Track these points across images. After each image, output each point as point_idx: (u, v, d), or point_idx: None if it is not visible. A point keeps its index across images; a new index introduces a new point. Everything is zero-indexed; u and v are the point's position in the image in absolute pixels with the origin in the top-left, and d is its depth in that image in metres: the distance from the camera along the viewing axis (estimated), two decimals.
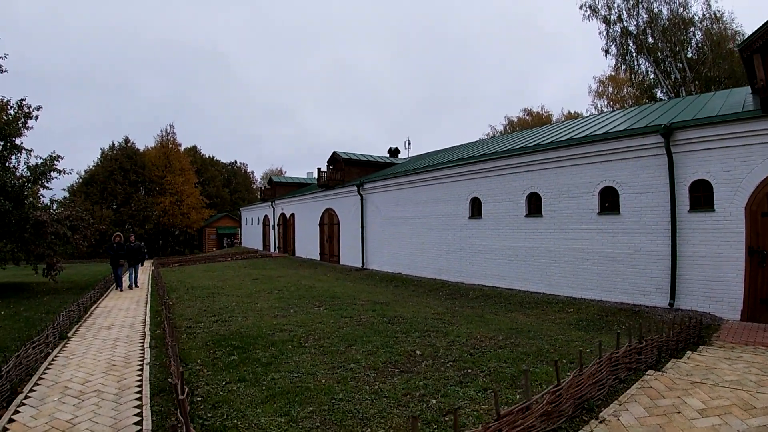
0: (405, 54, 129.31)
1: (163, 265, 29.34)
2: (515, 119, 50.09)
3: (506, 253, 13.86)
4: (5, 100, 15.67)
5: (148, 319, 9.86)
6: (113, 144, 55.43)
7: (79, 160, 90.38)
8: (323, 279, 17.05)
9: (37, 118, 16.10)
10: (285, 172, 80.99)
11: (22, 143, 16.15)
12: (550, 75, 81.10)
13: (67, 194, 52.72)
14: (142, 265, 16.78)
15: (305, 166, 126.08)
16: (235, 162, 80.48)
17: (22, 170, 16.23)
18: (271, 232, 36.06)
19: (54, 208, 17.37)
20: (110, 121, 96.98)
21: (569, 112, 46.09)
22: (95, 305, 12.18)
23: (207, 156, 72.85)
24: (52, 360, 6.78)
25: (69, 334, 8.47)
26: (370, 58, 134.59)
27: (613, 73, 37.20)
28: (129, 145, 55.70)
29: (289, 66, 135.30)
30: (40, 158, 16.50)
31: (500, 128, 50.79)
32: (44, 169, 16.23)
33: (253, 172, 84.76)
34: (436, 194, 16.57)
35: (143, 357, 6.87)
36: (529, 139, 15.37)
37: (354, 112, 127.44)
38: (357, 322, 8.63)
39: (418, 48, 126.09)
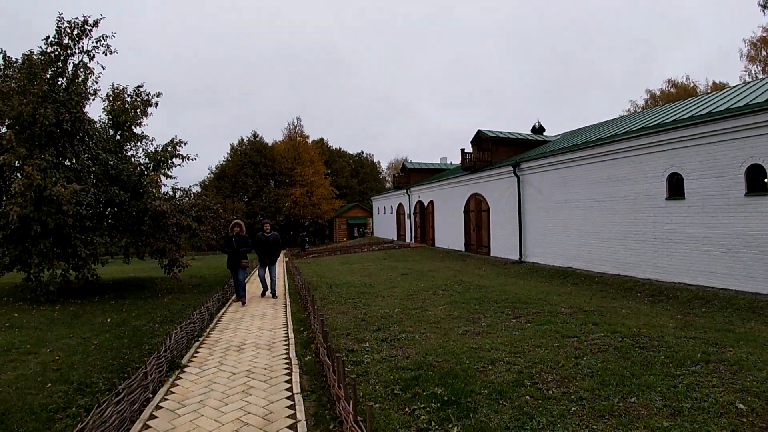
0: (522, 40, 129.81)
1: (297, 257, 29.91)
2: (657, 92, 45.98)
3: (719, 243, 11.27)
4: (121, 88, 15.62)
5: (291, 334, 7.93)
6: (242, 139, 58.99)
7: (210, 159, 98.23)
8: (483, 275, 15.41)
9: (157, 104, 15.97)
10: (410, 161, 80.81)
11: (143, 132, 16.15)
12: (676, 52, 76.76)
13: (199, 189, 57.11)
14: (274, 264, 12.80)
15: (428, 156, 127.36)
16: (362, 152, 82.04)
17: (141, 158, 16.00)
18: (407, 221, 35.26)
19: (177, 197, 16.37)
20: (239, 123, 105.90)
21: (714, 83, 42.17)
22: (223, 310, 10.82)
23: (334, 148, 74.75)
24: (150, 417, 4.56)
25: (184, 361, 6.48)
26: (487, 48, 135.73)
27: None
28: (258, 139, 58.82)
29: (406, 61, 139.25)
30: (160, 145, 16.13)
31: (641, 103, 46.87)
32: (165, 156, 15.79)
33: (379, 162, 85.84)
34: (619, 171, 14.17)
35: (294, 412, 4.57)
36: (726, 100, 12.50)
37: (473, 102, 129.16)
38: (589, 346, 6.44)
39: (535, 33, 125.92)
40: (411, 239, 33.79)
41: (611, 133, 15.06)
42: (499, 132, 23.32)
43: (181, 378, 5.77)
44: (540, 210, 17.67)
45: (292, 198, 55.38)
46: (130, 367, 6.06)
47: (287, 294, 13.17)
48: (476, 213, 22.97)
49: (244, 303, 11.39)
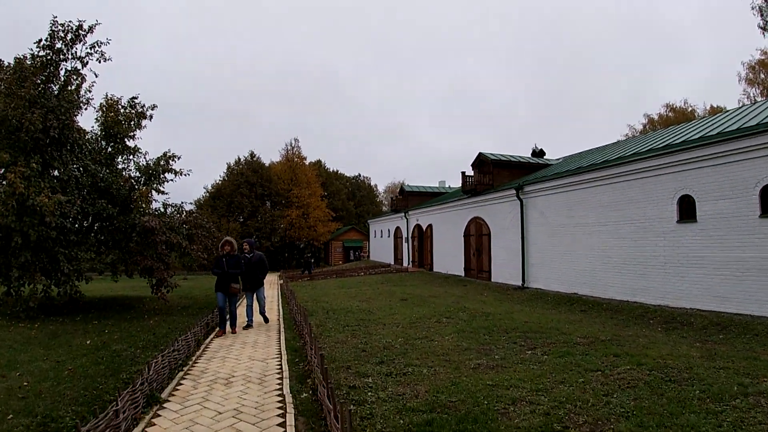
0: (519, 67, 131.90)
1: (291, 279, 29.24)
2: (656, 117, 46.31)
3: (733, 266, 10.87)
4: (115, 98, 15.10)
5: (285, 366, 7.06)
6: (239, 158, 58.56)
7: (206, 178, 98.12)
8: (486, 301, 14.86)
9: (151, 117, 15.51)
10: (408, 184, 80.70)
11: (136, 146, 15.56)
12: (672, 75, 78.62)
13: (193, 207, 56.44)
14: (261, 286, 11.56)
15: (426, 180, 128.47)
16: (359, 175, 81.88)
17: (132, 172, 15.35)
18: (404, 244, 34.75)
19: (168, 213, 15.64)
20: (236, 144, 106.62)
21: (711, 106, 42.82)
22: (212, 336, 9.97)
23: (331, 170, 74.65)
24: None
25: (164, 394, 5.80)
26: (484, 73, 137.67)
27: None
28: (255, 159, 58.49)
29: (402, 85, 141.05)
30: (152, 159, 15.59)
31: (639, 128, 47.15)
32: (157, 170, 15.22)
33: (376, 186, 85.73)
34: (627, 194, 13.81)
35: None
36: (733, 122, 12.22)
37: (470, 126, 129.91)
38: (617, 381, 5.78)
39: (532, 59, 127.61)
40: (408, 263, 33.24)
41: (618, 155, 14.75)
42: (501, 155, 23.02)
43: (159, 416, 5.13)
44: (544, 234, 17.23)
45: (287, 219, 54.79)
46: (104, 399, 5.46)
47: (281, 319, 12.38)
48: (477, 237, 22.51)
49: (234, 331, 10.24)
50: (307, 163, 61.22)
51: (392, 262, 37.68)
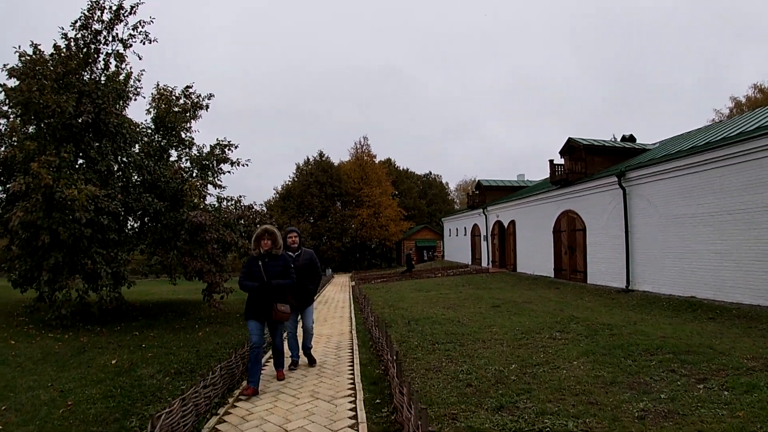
0: (584, 53, 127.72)
1: (363, 281, 28.21)
2: (743, 99, 42.59)
3: None
4: (169, 89, 14.32)
5: (362, 414, 5.04)
6: (308, 158, 58.59)
7: (277, 182, 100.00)
8: (593, 308, 12.88)
9: (207, 107, 14.63)
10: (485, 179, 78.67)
11: (192, 138, 14.67)
12: (749, 57, 71.74)
13: (265, 209, 56.98)
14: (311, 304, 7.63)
15: (497, 175, 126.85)
16: (430, 173, 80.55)
17: (184, 163, 14.37)
18: (483, 243, 32.98)
19: (223, 207, 14.09)
20: (306, 145, 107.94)
21: None
22: (266, 357, 7.84)
23: (401, 168, 73.66)
24: None
25: None
26: (549, 62, 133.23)
27: None
28: (324, 158, 58.31)
29: (468, 79, 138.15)
30: (205, 148, 14.57)
31: (726, 112, 43.31)
32: (211, 160, 14.21)
33: (447, 183, 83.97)
34: (756, 175, 11.51)
35: None
36: None
37: (537, 119, 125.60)
38: None
39: (597, 44, 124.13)
40: (488, 263, 31.46)
41: (756, 125, 12.48)
42: (593, 140, 20.90)
43: None
44: (652, 227, 15.13)
45: (358, 219, 54.14)
46: None
47: (354, 332, 10.49)
48: (569, 233, 20.54)
49: (281, 376, 6.73)
50: (376, 162, 60.46)
51: (470, 262, 35.97)
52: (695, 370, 6.20)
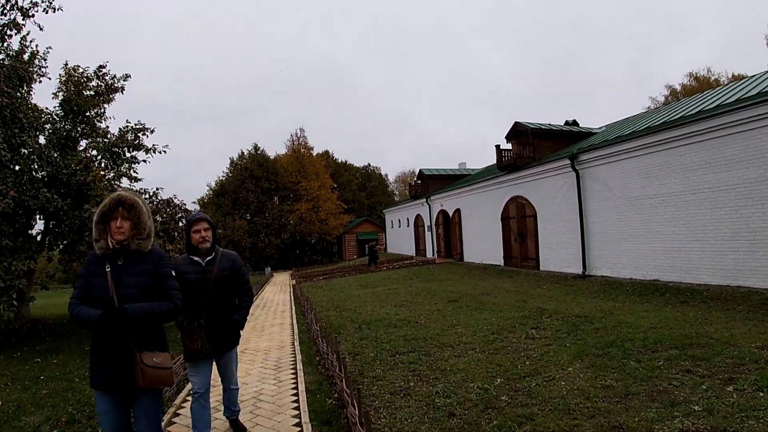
0: (520, 48, 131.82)
1: (305, 279, 26.62)
2: (678, 87, 45.38)
3: None
4: (80, 70, 12.34)
5: None
6: (242, 152, 55.92)
7: (209, 177, 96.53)
8: (557, 297, 12.03)
9: (123, 89, 12.77)
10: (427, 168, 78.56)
11: (107, 127, 12.77)
12: (677, 51, 76.81)
13: (198, 207, 54.33)
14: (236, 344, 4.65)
15: (436, 166, 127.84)
16: (369, 165, 79.38)
17: (90, 153, 12.29)
18: (427, 233, 32.15)
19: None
20: (240, 141, 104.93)
21: (733, 74, 41.69)
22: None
23: (340, 161, 72.21)
24: None
25: None
26: (486, 57, 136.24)
27: None
28: (259, 152, 55.77)
29: (405, 73, 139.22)
30: (115, 133, 12.54)
31: (661, 99, 45.81)
32: (122, 146, 12.25)
33: (386, 175, 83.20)
34: (725, 152, 11.17)
35: None
36: None
37: (473, 112, 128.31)
38: None
39: (534, 40, 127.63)
40: (434, 254, 30.62)
41: (716, 103, 11.96)
42: (540, 124, 20.27)
43: None
44: (609, 210, 14.49)
45: (297, 214, 52.18)
46: None
47: (297, 346, 8.71)
48: (518, 219, 19.81)
49: None
50: (314, 154, 58.67)
51: (414, 254, 35.05)
52: (713, 368, 5.26)
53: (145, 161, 12.86)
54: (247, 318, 4.66)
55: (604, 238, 14.77)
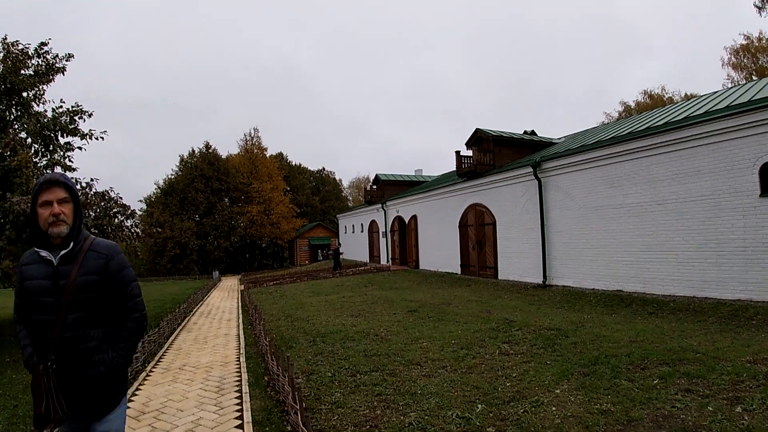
0: (480, 61, 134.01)
1: (254, 284, 25.58)
2: (632, 104, 46.93)
3: None
4: (19, 46, 11.11)
5: None
6: (193, 150, 53.87)
7: (160, 175, 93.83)
8: (521, 308, 11.57)
9: (64, 70, 11.65)
10: (372, 179, 78.36)
11: (45, 111, 11.62)
12: (632, 69, 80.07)
13: (144, 206, 52.18)
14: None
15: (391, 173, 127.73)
16: (323, 169, 78.54)
17: (18, 135, 11.07)
18: (382, 240, 31.59)
19: None
20: (193, 141, 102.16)
21: (686, 94, 42.77)
22: None
23: (294, 163, 71.04)
24: None
25: None
26: (445, 68, 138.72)
27: None
28: (211, 151, 53.89)
29: (364, 80, 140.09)
30: (49, 113, 11.35)
31: (615, 115, 47.27)
32: (54, 129, 11.12)
33: (341, 180, 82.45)
34: (693, 164, 11.06)
35: None
36: None
37: (431, 122, 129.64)
38: None
39: (494, 54, 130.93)
40: (388, 261, 30.06)
41: (683, 115, 11.92)
42: (502, 132, 20.07)
43: None
44: (571, 219, 14.28)
45: (248, 216, 50.71)
46: None
47: (243, 362, 7.65)
48: (477, 227, 19.47)
49: None
50: (267, 155, 57.29)
51: (368, 260, 34.43)
52: (712, 386, 4.85)
53: (81, 148, 11.63)
54: (134, 356, 3.13)
55: (565, 247, 14.54)
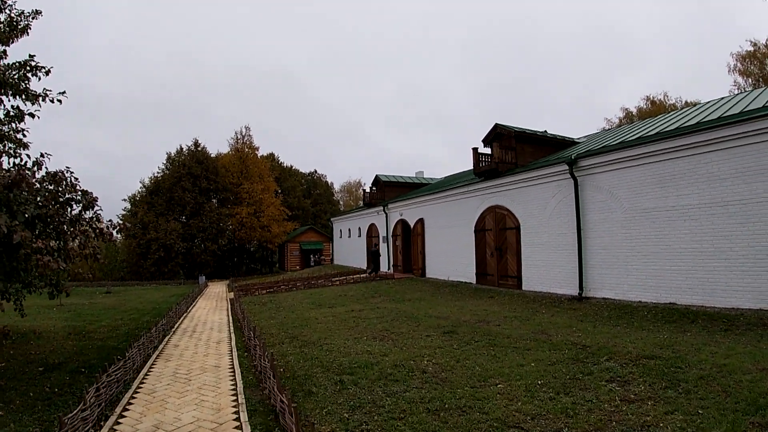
0: (472, 71, 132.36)
1: (245, 292, 23.58)
2: (634, 110, 46.50)
3: None
4: None
5: None
6: (181, 148, 51.81)
7: (148, 173, 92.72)
8: (570, 325, 10.11)
9: (28, 29, 9.87)
10: (364, 184, 77.18)
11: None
12: (623, 80, 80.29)
13: (128, 205, 50.19)
14: None
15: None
16: (315, 171, 77.10)
17: None
18: (383, 245, 30.16)
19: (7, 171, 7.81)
20: (186, 141, 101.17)
21: (686, 101, 42.00)
22: None
23: (286, 165, 69.52)
24: None
25: None
26: (438, 77, 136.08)
27: None
28: (199, 149, 51.91)
29: (358, 88, 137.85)
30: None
31: (616, 122, 46.91)
32: (6, 83, 9.02)
33: (332, 183, 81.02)
34: (760, 160, 9.86)
35: None
36: None
37: (422, 131, 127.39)
38: None
39: (486, 63, 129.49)
40: (389, 268, 28.59)
41: (716, 115, 10.67)
42: (525, 128, 18.76)
43: None
44: (614, 223, 12.88)
45: (237, 218, 48.87)
46: None
47: (243, 417, 5.66)
48: (496, 232, 18.07)
49: None
50: (259, 155, 55.57)
51: (364, 267, 32.97)
52: None
53: (32, 115, 9.64)
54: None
55: (605, 254, 13.16)
